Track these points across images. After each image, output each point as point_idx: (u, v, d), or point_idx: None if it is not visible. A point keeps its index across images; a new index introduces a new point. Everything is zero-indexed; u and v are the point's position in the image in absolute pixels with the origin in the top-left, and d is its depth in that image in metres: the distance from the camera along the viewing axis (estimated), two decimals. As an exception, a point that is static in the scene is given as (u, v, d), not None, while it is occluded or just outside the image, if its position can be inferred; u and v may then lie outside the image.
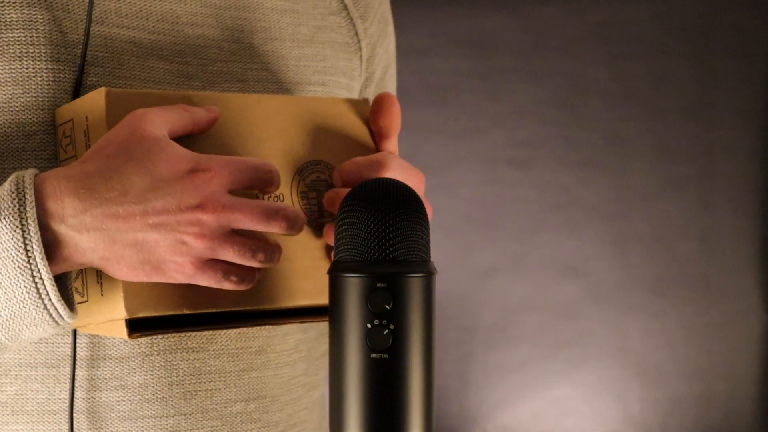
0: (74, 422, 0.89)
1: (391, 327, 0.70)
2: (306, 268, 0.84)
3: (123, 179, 0.77)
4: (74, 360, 0.88)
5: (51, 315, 0.79)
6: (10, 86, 0.86)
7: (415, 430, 0.71)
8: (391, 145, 0.92)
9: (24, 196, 0.77)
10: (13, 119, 0.87)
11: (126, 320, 0.81)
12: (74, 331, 0.87)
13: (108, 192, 0.77)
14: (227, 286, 0.80)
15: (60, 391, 0.89)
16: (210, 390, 0.92)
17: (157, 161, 0.77)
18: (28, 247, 0.76)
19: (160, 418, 0.91)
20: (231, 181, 0.79)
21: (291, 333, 0.97)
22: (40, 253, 0.76)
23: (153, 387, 0.90)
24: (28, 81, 0.86)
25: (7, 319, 0.79)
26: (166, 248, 0.77)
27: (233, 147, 0.85)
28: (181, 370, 0.91)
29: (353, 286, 0.70)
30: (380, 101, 0.91)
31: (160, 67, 0.91)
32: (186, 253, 0.78)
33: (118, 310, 0.81)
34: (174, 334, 0.90)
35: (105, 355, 0.90)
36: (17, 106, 0.87)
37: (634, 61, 2.54)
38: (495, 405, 2.55)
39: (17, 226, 0.76)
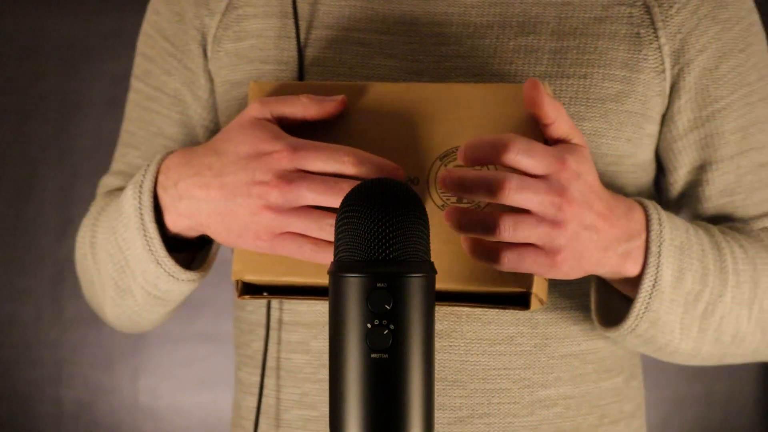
0: (272, 378, 1.03)
1: (391, 327, 0.70)
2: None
3: (213, 156, 0.88)
4: (268, 324, 1.02)
5: (165, 270, 0.94)
6: (245, 86, 1.01)
7: (415, 430, 0.71)
8: (556, 131, 0.85)
9: (148, 169, 0.93)
10: None
11: (235, 282, 0.90)
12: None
13: (198, 166, 0.89)
14: (306, 257, 0.86)
15: (274, 351, 1.03)
16: None
17: (245, 140, 0.87)
18: (142, 211, 0.92)
19: None
20: (306, 163, 0.85)
21: (499, 323, 0.98)
22: (149, 215, 0.92)
23: None
24: (257, 80, 0.99)
25: (143, 271, 0.96)
26: (242, 218, 0.86)
27: (371, 133, 0.89)
28: None
29: (353, 286, 0.70)
30: (524, 90, 0.84)
31: (387, 65, 0.97)
32: (258, 224, 0.86)
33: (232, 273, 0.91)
34: None
35: (295, 321, 1.01)
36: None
37: (634, 61, 2.54)
38: (495, 405, 2.55)
39: (137, 194, 0.93)
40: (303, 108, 0.89)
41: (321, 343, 1.00)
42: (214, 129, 1.07)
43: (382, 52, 0.98)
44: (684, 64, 0.99)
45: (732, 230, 1.02)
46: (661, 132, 1.03)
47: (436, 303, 0.87)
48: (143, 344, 2.82)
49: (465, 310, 0.97)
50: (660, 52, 0.99)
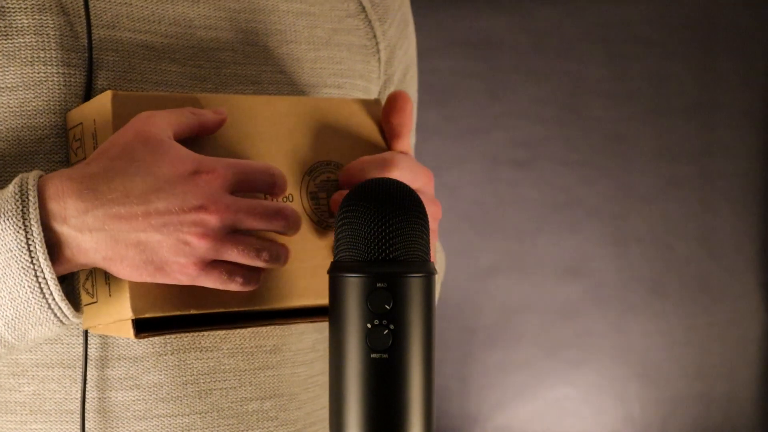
0: (90, 422, 0.90)
1: (391, 327, 0.70)
2: (315, 268, 0.84)
3: (126, 180, 0.77)
4: (85, 360, 0.89)
5: (55, 314, 0.80)
6: (21, 90, 0.87)
7: (415, 430, 0.71)
8: (404, 144, 0.91)
9: (27, 197, 0.78)
10: (25, 123, 0.87)
11: (132, 320, 0.81)
12: (86, 332, 0.88)
13: (110, 193, 0.77)
14: (233, 287, 0.80)
15: (76, 391, 0.90)
16: (225, 389, 0.93)
17: (160, 162, 0.77)
18: (32, 248, 0.77)
19: (175, 417, 0.92)
20: (234, 183, 0.79)
21: (307, 332, 0.97)
22: (44, 253, 0.77)
23: (167, 386, 0.91)
24: (39, 85, 0.87)
25: (12, 319, 0.80)
26: (169, 249, 0.77)
27: (241, 148, 0.85)
28: (195, 369, 0.92)
29: (353, 286, 0.70)
30: (393, 100, 0.90)
31: (173, 70, 0.91)
32: (189, 254, 0.78)
33: (125, 311, 0.81)
34: (187, 334, 0.91)
35: (119, 355, 0.90)
36: (29, 110, 0.87)
37: (634, 61, 2.54)
38: (495, 405, 2.55)
39: (20, 227, 0.77)
40: (199, 124, 0.82)
41: (155, 377, 0.90)
42: None
43: (166, 57, 0.91)
44: (390, 75, 1.05)
45: None
46: None
47: (273, 322, 0.88)
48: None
49: (297, 327, 0.96)
50: (379, 63, 1.04)
